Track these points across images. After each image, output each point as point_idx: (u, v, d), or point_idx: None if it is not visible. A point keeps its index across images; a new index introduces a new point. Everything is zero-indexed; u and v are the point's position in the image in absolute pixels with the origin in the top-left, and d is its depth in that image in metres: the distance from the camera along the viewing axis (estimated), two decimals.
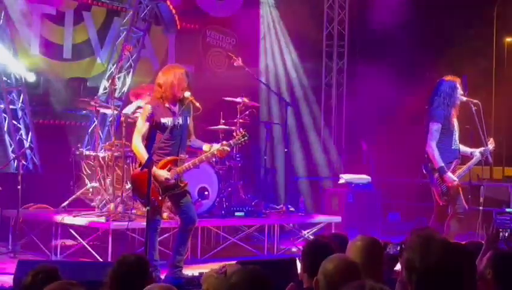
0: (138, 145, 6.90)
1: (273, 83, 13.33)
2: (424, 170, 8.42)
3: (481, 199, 8.44)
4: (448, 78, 8.31)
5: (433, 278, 2.70)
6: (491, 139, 8.39)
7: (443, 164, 8.06)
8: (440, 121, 8.12)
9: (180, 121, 7.04)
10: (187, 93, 7.03)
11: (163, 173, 6.88)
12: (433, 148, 8.08)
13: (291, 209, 10.42)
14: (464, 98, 8.32)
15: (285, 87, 13.50)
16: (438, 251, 2.73)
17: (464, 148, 8.40)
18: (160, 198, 6.95)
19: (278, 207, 10.59)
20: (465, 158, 8.40)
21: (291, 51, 13.73)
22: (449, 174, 8.05)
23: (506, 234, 5.53)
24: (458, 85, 8.25)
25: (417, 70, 12.74)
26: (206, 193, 9.06)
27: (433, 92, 8.30)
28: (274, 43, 13.68)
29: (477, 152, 8.36)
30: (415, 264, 2.72)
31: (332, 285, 3.37)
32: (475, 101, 8.33)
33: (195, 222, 7.17)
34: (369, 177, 11.68)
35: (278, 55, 13.67)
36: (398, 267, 4.92)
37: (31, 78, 10.57)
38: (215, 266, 4.17)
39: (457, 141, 8.30)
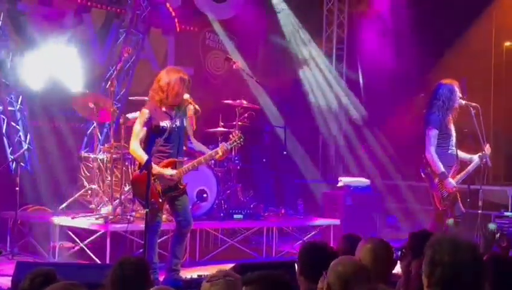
0: (136, 149, 6.89)
1: None
2: (422, 174, 8.42)
3: (480, 203, 8.44)
4: (446, 81, 8.31)
5: (457, 272, 2.73)
6: (488, 145, 8.39)
7: (444, 170, 8.06)
8: (436, 127, 8.13)
9: (178, 124, 7.04)
10: (186, 95, 7.02)
11: (168, 171, 6.86)
12: (432, 154, 8.08)
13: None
14: (463, 102, 8.32)
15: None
16: (467, 248, 2.78)
17: (462, 155, 8.40)
18: (160, 200, 6.94)
19: (276, 210, 10.59)
20: (463, 164, 8.40)
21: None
22: (450, 180, 8.06)
23: (498, 235, 5.53)
24: (457, 88, 8.25)
25: (416, 74, 12.73)
26: (204, 195, 9.06)
27: (431, 96, 8.31)
28: None
29: (475, 157, 8.37)
30: (442, 259, 2.74)
31: (349, 288, 3.36)
32: (474, 104, 8.33)
33: (190, 225, 7.17)
34: (367, 180, 11.68)
35: None
36: (396, 270, 4.93)
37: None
38: (214, 268, 4.15)
39: (454, 146, 8.30)
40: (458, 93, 8.24)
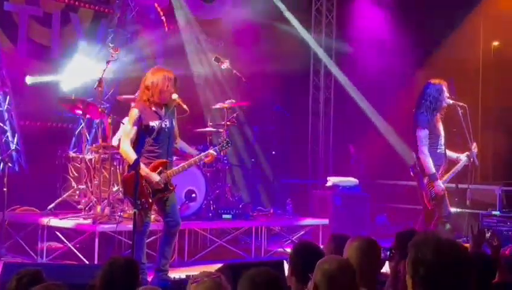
0: (126, 149, 6.87)
1: None
2: (411, 173, 8.45)
3: (468, 202, 8.48)
4: (434, 81, 8.34)
5: (441, 272, 2.71)
6: (474, 144, 8.43)
7: (434, 172, 8.10)
8: (426, 127, 8.17)
9: (168, 124, 7.04)
10: (174, 96, 7.01)
11: (155, 177, 6.86)
12: (425, 154, 8.11)
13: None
14: (451, 101, 8.35)
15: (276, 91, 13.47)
16: (449, 247, 2.76)
17: (449, 153, 8.44)
18: (150, 200, 6.93)
19: (265, 210, 10.59)
20: (451, 163, 8.44)
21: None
22: (439, 182, 8.09)
23: (489, 234, 5.52)
24: (445, 88, 8.28)
25: (405, 73, 12.77)
26: (193, 195, 9.05)
27: (419, 96, 8.34)
28: None
29: (463, 156, 8.41)
30: (426, 257, 2.72)
31: (335, 285, 3.36)
32: (461, 104, 8.36)
33: (179, 225, 7.18)
34: (356, 180, 11.69)
35: None
36: (384, 269, 4.93)
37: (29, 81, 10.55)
38: (203, 269, 4.15)
39: (443, 146, 8.33)
40: (446, 93, 8.27)
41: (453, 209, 8.36)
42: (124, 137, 6.97)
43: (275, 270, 4.38)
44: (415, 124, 8.26)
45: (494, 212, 10.47)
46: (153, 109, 7.02)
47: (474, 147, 8.41)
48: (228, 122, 9.73)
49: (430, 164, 8.10)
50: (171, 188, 7.04)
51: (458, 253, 2.77)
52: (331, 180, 11.60)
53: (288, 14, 13.38)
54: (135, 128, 6.93)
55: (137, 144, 6.93)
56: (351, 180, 11.65)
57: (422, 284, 2.75)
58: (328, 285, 3.37)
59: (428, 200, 8.20)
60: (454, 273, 2.73)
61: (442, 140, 8.32)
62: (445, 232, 7.93)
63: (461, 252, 2.78)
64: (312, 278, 3.48)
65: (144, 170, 6.71)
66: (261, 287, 3.27)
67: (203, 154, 7.24)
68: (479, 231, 5.58)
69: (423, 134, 8.15)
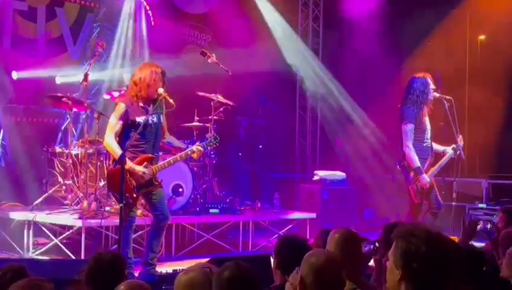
0: (111, 142, 6.85)
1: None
2: (398, 166, 8.49)
3: (454, 194, 8.52)
4: (419, 74, 8.39)
5: (434, 265, 2.72)
6: (460, 136, 8.47)
7: (419, 165, 8.14)
8: (412, 121, 8.21)
9: (155, 119, 7.03)
10: (160, 90, 6.99)
11: (140, 168, 6.84)
12: (410, 148, 8.17)
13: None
14: (437, 94, 8.40)
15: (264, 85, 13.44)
16: (440, 240, 2.78)
17: (436, 146, 8.48)
18: (134, 195, 6.91)
19: (252, 204, 10.59)
20: (437, 156, 8.47)
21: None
22: (424, 175, 8.13)
23: (488, 226, 5.54)
24: (430, 80, 8.32)
25: (391, 67, 12.77)
26: (180, 190, 9.03)
27: (405, 90, 8.36)
28: None
29: (449, 149, 8.45)
30: (420, 250, 2.73)
31: (322, 278, 3.36)
32: (448, 97, 8.42)
33: (168, 219, 7.16)
34: (343, 173, 11.71)
35: None
36: (372, 263, 4.94)
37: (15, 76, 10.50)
38: (190, 263, 4.15)
39: (430, 139, 8.37)
40: (431, 86, 8.31)
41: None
42: (108, 130, 6.94)
43: (262, 264, 4.41)
44: (401, 118, 8.30)
45: (480, 205, 10.53)
46: (141, 104, 7.00)
47: (460, 140, 8.46)
48: (215, 117, 9.71)
49: (414, 157, 8.15)
50: (157, 183, 7.02)
51: (449, 246, 2.78)
52: (319, 174, 11.61)
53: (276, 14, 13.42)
54: (121, 122, 6.90)
55: (123, 138, 6.91)
56: (339, 174, 11.67)
57: (414, 276, 2.75)
58: (315, 278, 3.37)
59: (414, 194, 8.25)
60: (446, 265, 2.74)
61: (428, 134, 8.35)
62: (432, 224, 7.97)
63: (452, 245, 2.80)
64: (296, 271, 3.48)
65: (128, 163, 6.69)
66: (229, 283, 3.24)
67: (189, 150, 7.22)
68: (470, 224, 5.61)
69: (409, 128, 8.19)
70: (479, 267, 4.31)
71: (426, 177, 8.16)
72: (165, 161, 7.17)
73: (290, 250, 4.21)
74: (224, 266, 3.35)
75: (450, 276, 2.76)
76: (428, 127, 8.37)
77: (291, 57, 13.72)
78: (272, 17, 13.47)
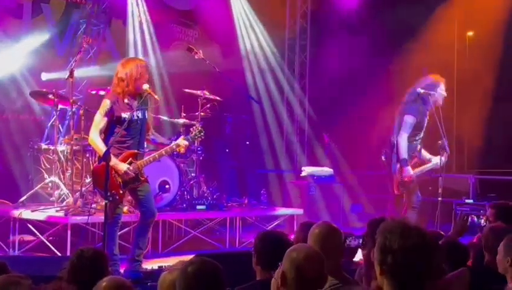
0: (95, 139, 6.83)
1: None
2: (383, 157, 8.55)
3: (439, 190, 8.56)
4: (435, 76, 8.51)
5: (409, 259, 2.72)
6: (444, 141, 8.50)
7: (406, 157, 8.21)
8: (416, 116, 8.30)
9: (140, 115, 7.01)
10: (145, 86, 6.98)
11: (123, 166, 6.82)
12: (404, 139, 8.31)
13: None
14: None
15: (250, 81, 13.44)
16: (415, 234, 2.75)
17: (424, 153, 8.61)
18: (121, 191, 6.89)
19: (239, 200, 10.57)
20: (422, 161, 8.59)
21: (253, 42, 13.68)
22: (409, 168, 8.20)
23: (482, 221, 5.59)
24: (442, 86, 8.42)
25: (379, 62, 12.78)
26: (167, 186, 9.00)
27: (417, 86, 8.46)
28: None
29: (434, 159, 8.55)
30: (393, 246, 2.73)
31: (303, 274, 3.34)
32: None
33: (155, 215, 7.14)
34: (331, 169, 11.71)
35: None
36: (357, 258, 4.94)
37: None
38: (176, 260, 4.13)
39: (420, 140, 8.48)
40: (441, 89, 8.40)
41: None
42: (93, 127, 6.92)
43: (249, 260, 4.39)
44: (405, 110, 8.38)
45: (467, 201, 10.55)
46: (126, 100, 6.97)
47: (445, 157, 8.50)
48: (202, 113, 9.69)
49: (405, 149, 8.26)
50: (142, 178, 7.00)
51: (424, 240, 2.77)
52: (306, 170, 11.61)
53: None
54: (106, 119, 6.89)
55: (108, 134, 6.90)
56: (326, 170, 11.68)
57: (389, 271, 2.75)
58: (296, 274, 3.36)
59: (397, 186, 8.33)
60: (421, 260, 2.74)
61: (421, 134, 8.46)
62: (414, 219, 8.00)
63: (427, 239, 2.78)
64: (279, 266, 3.47)
65: (112, 160, 6.66)
66: (194, 277, 3.23)
67: (174, 143, 7.22)
68: (461, 219, 5.63)
69: (411, 120, 8.32)
70: (462, 262, 4.31)
71: (410, 170, 8.23)
72: (150, 155, 7.14)
73: (268, 246, 4.19)
74: (189, 261, 3.34)
75: (428, 270, 2.76)
76: (424, 129, 8.48)
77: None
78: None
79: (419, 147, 8.50)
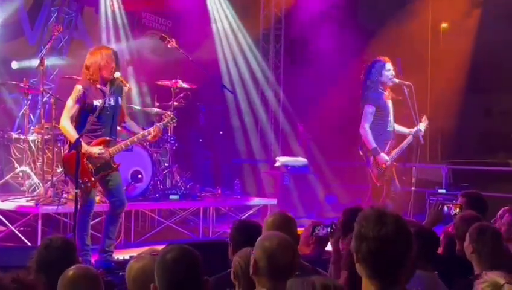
0: (66, 125, 6.74)
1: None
2: (360, 152, 8.54)
3: (413, 180, 8.58)
4: (378, 58, 8.47)
5: (382, 247, 2.73)
6: (424, 117, 8.56)
7: (375, 146, 8.23)
8: (374, 104, 8.29)
9: (112, 102, 6.91)
10: (117, 74, 6.88)
11: (96, 149, 6.72)
12: (366, 130, 8.24)
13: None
14: (397, 80, 8.47)
15: (224, 71, 13.38)
16: (391, 221, 2.77)
17: (401, 129, 8.57)
18: (92, 179, 6.80)
19: (213, 190, 10.53)
20: (402, 138, 8.55)
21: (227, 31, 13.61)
22: (382, 155, 8.22)
23: (457, 211, 5.56)
24: (388, 65, 8.38)
25: (353, 54, 12.78)
26: (139, 176, 8.91)
27: (365, 74, 8.42)
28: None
29: (409, 133, 8.53)
30: (369, 234, 2.74)
31: (275, 262, 3.34)
32: (407, 83, 8.49)
33: (124, 205, 7.06)
34: (305, 159, 11.71)
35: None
36: (329, 247, 4.92)
37: None
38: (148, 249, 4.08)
39: (392, 123, 8.44)
40: (387, 69, 8.36)
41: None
42: (64, 113, 6.82)
43: (222, 249, 4.37)
44: (364, 100, 8.35)
45: (440, 191, 10.61)
46: (98, 86, 6.88)
47: (424, 120, 8.53)
48: (175, 103, 9.63)
49: (370, 139, 8.24)
50: (114, 165, 6.92)
51: (399, 227, 2.77)
52: (280, 160, 11.60)
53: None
54: (77, 105, 6.79)
55: (80, 122, 6.80)
56: (300, 160, 11.67)
57: (364, 259, 2.76)
58: (268, 262, 3.35)
59: (376, 177, 8.31)
60: (395, 247, 2.74)
61: (391, 117, 8.42)
62: (391, 208, 8.01)
63: (401, 227, 2.79)
64: (248, 249, 3.45)
65: (84, 147, 6.57)
66: (173, 263, 3.19)
67: (146, 131, 7.13)
68: (435, 209, 5.63)
69: (370, 110, 8.28)
70: (432, 250, 4.33)
71: (384, 156, 8.24)
72: (122, 142, 7.05)
73: (244, 234, 4.18)
74: (168, 248, 3.30)
75: (401, 259, 2.76)
76: (391, 111, 8.44)
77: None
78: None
79: (393, 130, 8.47)
